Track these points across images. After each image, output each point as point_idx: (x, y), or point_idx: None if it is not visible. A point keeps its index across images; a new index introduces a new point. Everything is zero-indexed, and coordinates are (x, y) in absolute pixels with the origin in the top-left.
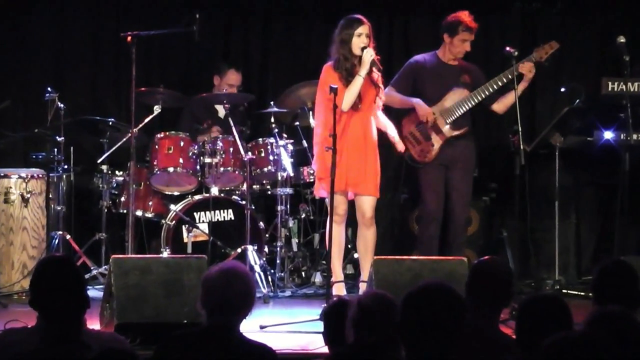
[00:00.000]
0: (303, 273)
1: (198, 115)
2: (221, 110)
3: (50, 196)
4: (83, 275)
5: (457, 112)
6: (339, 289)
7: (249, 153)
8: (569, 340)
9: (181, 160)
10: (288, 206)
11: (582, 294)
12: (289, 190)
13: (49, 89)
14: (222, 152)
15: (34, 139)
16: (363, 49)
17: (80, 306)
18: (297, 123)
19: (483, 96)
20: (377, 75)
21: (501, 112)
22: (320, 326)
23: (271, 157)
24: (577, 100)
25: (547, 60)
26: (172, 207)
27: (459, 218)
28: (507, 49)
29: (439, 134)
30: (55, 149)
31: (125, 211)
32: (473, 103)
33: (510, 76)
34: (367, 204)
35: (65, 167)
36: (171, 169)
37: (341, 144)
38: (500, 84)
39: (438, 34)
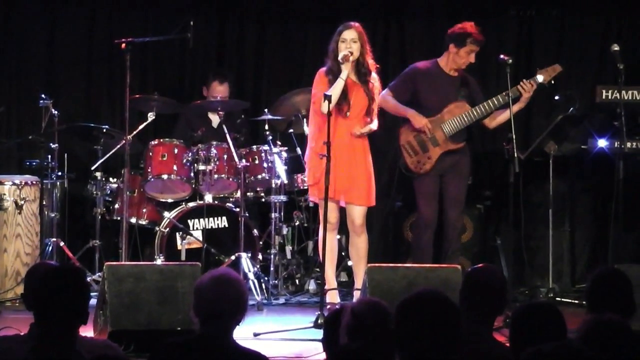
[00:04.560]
0: (297, 280)
1: (192, 123)
2: (215, 119)
3: (44, 203)
4: (89, 290)
5: (457, 126)
6: (333, 297)
7: (243, 160)
8: (544, 354)
9: (175, 168)
10: (282, 213)
11: (576, 302)
12: (283, 198)
13: (43, 95)
14: (216, 159)
15: (28, 145)
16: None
17: (79, 320)
18: (291, 130)
19: (483, 113)
20: (372, 83)
21: (491, 127)
22: (314, 334)
23: (265, 165)
24: (572, 108)
25: (549, 83)
26: (166, 214)
27: (454, 226)
28: (501, 56)
29: (436, 146)
30: (49, 156)
31: (119, 218)
32: (473, 119)
33: (517, 94)
34: (356, 213)
35: (59, 173)
36: (165, 176)
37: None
38: (501, 101)
39: (433, 40)
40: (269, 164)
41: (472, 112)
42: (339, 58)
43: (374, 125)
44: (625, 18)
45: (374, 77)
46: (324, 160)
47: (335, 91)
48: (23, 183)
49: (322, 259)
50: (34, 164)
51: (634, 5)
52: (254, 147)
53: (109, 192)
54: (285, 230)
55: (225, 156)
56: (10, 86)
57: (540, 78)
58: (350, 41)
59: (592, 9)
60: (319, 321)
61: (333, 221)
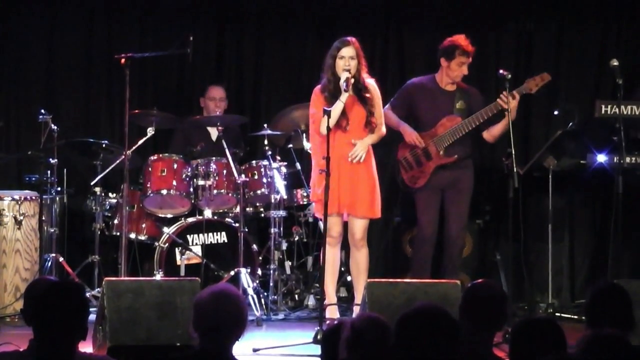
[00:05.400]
0: (296, 296)
1: (191, 138)
2: (214, 132)
3: (44, 218)
4: (88, 306)
5: (448, 140)
6: (332, 312)
7: (243, 175)
8: None
9: (174, 183)
10: (281, 229)
11: (576, 317)
12: (282, 213)
13: (42, 110)
14: (215, 175)
15: (27, 161)
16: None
17: (79, 336)
18: (290, 145)
19: (472, 126)
20: (369, 95)
21: (490, 141)
22: (313, 349)
23: (265, 180)
24: (571, 123)
25: (538, 92)
26: (166, 229)
27: (455, 242)
28: (501, 71)
29: (430, 161)
30: (49, 171)
31: (118, 233)
32: (463, 132)
33: (499, 108)
34: (357, 226)
35: (59, 189)
36: (164, 192)
37: (331, 166)
38: (490, 114)
39: (432, 53)
40: (269, 179)
41: (461, 125)
42: (341, 83)
43: (370, 139)
44: (623, 31)
45: (373, 86)
46: (325, 176)
47: (335, 114)
48: (22, 198)
49: (322, 274)
50: (33, 179)
51: (632, 19)
52: (254, 162)
53: (108, 207)
54: (284, 246)
55: (225, 171)
56: (9, 101)
57: (526, 88)
58: (348, 59)
59: (591, 23)
60: (318, 336)
61: (335, 235)
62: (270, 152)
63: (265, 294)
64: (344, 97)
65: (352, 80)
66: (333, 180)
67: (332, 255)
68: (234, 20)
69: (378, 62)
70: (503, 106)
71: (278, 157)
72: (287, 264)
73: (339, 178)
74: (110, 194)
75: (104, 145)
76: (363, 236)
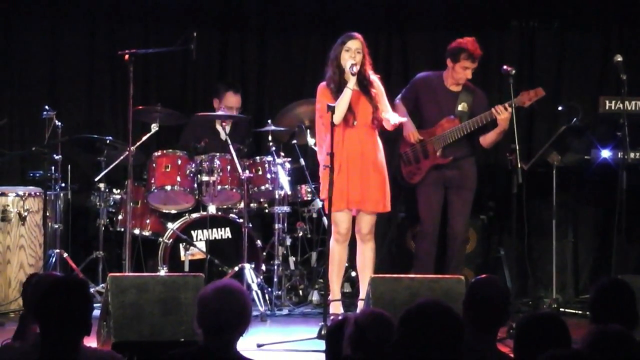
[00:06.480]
0: (300, 291)
1: (198, 133)
2: (222, 132)
3: (48, 214)
4: (92, 303)
5: (445, 142)
6: (336, 308)
7: (247, 171)
8: (563, 356)
9: (179, 179)
10: (285, 224)
11: (580, 312)
12: (286, 209)
13: (46, 107)
14: (219, 170)
15: (31, 157)
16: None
17: (83, 332)
18: (294, 141)
19: (466, 132)
20: (375, 91)
21: (484, 147)
22: (317, 345)
23: (269, 176)
24: (575, 119)
25: (531, 106)
26: (170, 225)
27: (457, 237)
28: (505, 67)
29: (426, 159)
30: (53, 167)
31: (122, 229)
32: (458, 136)
33: (493, 117)
34: (365, 220)
35: (63, 185)
36: (168, 187)
37: (339, 162)
38: (483, 122)
39: (436, 51)
40: (273, 175)
41: (457, 129)
42: (349, 68)
43: (395, 118)
44: (624, 29)
45: (377, 83)
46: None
47: (344, 100)
48: (26, 194)
49: (326, 270)
50: (38, 175)
51: (634, 16)
52: (258, 158)
53: (112, 203)
54: (288, 241)
55: (229, 167)
56: (12, 99)
57: (519, 101)
58: (354, 51)
59: (593, 20)
60: (323, 332)
61: (343, 232)
62: (274, 148)
63: (270, 289)
64: (352, 83)
65: (358, 67)
66: (342, 177)
67: (339, 252)
68: (237, 19)
69: (381, 60)
70: (495, 117)
71: (282, 153)
72: (291, 259)
73: (348, 174)
74: (114, 190)
75: (108, 142)
76: (370, 230)
